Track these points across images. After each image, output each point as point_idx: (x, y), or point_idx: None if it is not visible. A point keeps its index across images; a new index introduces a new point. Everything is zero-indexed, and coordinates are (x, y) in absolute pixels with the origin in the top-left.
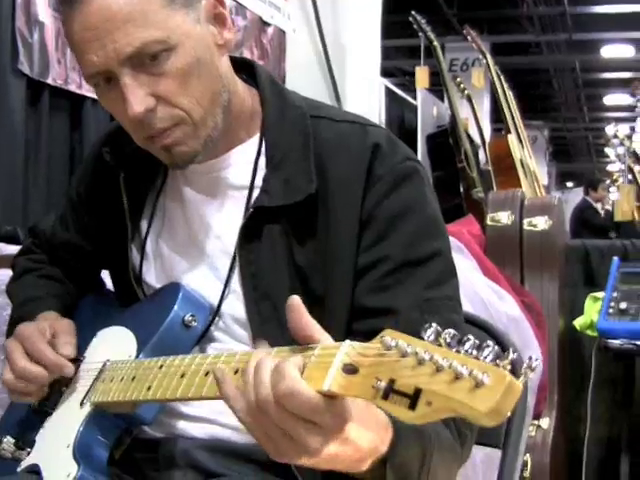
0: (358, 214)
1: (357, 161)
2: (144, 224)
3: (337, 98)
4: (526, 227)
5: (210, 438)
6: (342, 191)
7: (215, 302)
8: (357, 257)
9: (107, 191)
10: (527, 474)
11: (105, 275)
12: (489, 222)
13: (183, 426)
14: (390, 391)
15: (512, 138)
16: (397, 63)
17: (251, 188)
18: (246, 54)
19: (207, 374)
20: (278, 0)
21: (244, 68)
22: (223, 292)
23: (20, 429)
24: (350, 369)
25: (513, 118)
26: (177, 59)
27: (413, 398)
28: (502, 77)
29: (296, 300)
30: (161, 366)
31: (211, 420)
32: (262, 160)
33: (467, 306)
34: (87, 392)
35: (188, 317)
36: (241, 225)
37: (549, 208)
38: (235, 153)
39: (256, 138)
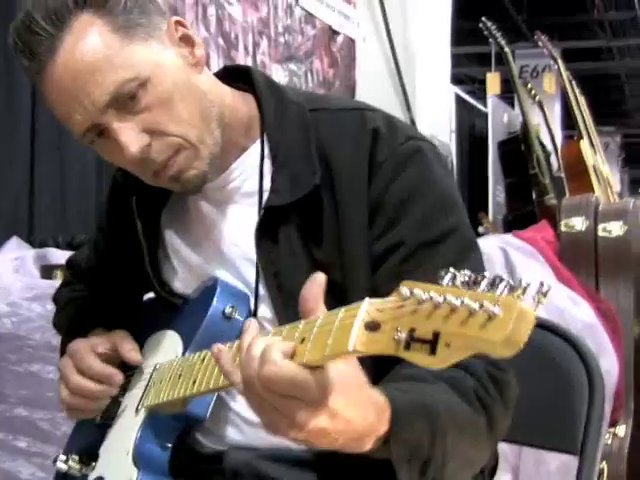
0: (365, 202)
1: (358, 148)
2: (167, 240)
3: (407, 106)
4: (601, 233)
5: (272, 447)
6: (347, 180)
7: None
8: (371, 245)
9: (124, 216)
10: None
11: None
12: (563, 228)
13: (242, 437)
14: (411, 340)
15: (584, 144)
16: (467, 70)
17: (260, 191)
18: (316, 63)
19: None
20: (347, 8)
21: (241, 75)
22: (256, 299)
23: (86, 445)
24: (372, 326)
25: (585, 124)
26: (154, 90)
27: (433, 343)
28: (574, 83)
29: (319, 275)
30: (203, 359)
31: None
32: (267, 162)
33: (542, 312)
34: (141, 398)
35: (228, 309)
36: (255, 228)
37: (624, 213)
38: (241, 161)
39: (259, 142)
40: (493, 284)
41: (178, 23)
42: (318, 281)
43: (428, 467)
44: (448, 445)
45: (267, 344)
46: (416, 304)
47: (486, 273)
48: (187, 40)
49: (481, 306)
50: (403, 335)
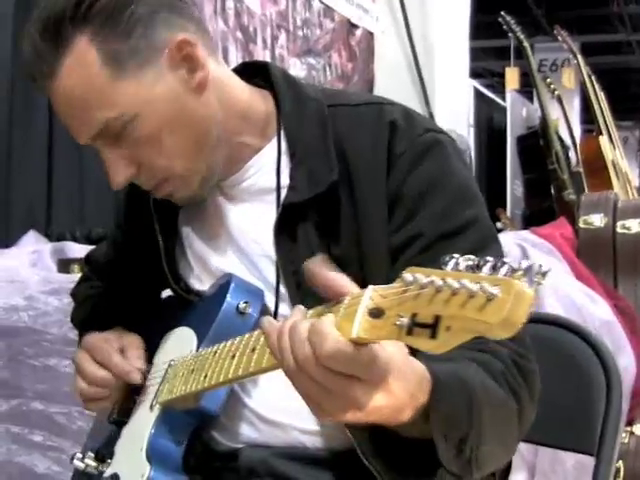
0: (384, 194)
1: (376, 141)
2: (184, 237)
3: (426, 100)
4: (619, 230)
5: (287, 446)
6: (365, 174)
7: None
8: (390, 238)
9: (142, 212)
10: None
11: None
12: (582, 225)
13: (258, 435)
14: (412, 325)
15: (604, 140)
16: (485, 64)
17: (278, 188)
18: (334, 56)
19: (253, 350)
20: (366, 2)
21: (259, 71)
22: (277, 297)
23: (102, 443)
24: (375, 313)
25: (605, 119)
26: (142, 126)
27: (433, 327)
28: (593, 78)
29: (311, 262)
30: (215, 353)
31: (287, 425)
32: (284, 159)
33: (559, 309)
34: (155, 395)
35: (242, 304)
36: (274, 225)
37: None
38: (259, 158)
39: (275, 139)
40: (495, 267)
41: (184, 42)
42: (319, 267)
43: (465, 444)
44: (484, 424)
45: (314, 321)
46: (419, 289)
47: (489, 257)
48: (190, 61)
49: (480, 288)
50: (405, 320)
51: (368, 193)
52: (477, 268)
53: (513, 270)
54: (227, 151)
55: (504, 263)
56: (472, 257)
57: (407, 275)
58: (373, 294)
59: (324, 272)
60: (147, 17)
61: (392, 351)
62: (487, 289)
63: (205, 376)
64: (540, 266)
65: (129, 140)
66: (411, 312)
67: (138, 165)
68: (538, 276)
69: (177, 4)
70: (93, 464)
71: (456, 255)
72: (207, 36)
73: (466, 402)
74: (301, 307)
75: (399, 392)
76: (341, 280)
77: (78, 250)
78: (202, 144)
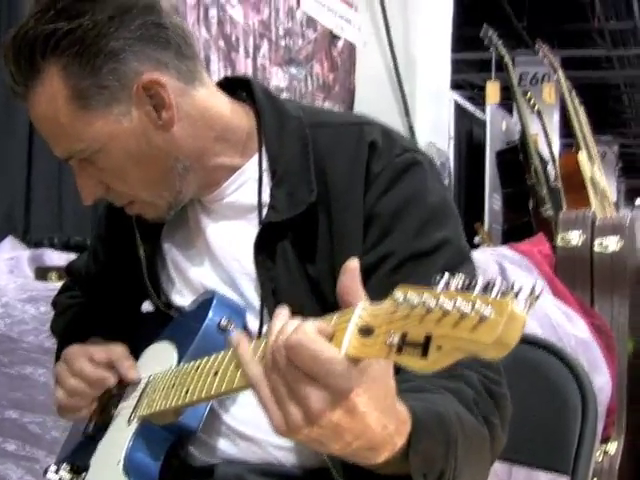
0: (360, 215)
1: (355, 162)
2: (165, 251)
3: (406, 112)
4: (597, 248)
5: (262, 462)
6: (343, 195)
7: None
8: (364, 257)
9: (123, 225)
10: None
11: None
12: (559, 242)
13: (236, 451)
14: (403, 344)
15: (582, 156)
16: (466, 76)
17: (260, 207)
18: (316, 67)
19: (237, 367)
20: (348, 13)
21: (241, 86)
22: (262, 315)
23: (77, 455)
24: (365, 331)
25: (584, 135)
26: (106, 158)
27: (424, 346)
28: (573, 93)
29: (353, 263)
30: (197, 368)
31: (263, 441)
32: (266, 176)
33: (536, 328)
34: (134, 409)
35: (224, 322)
36: (253, 244)
37: (620, 228)
38: (240, 174)
39: (256, 156)
40: (486, 288)
41: (152, 82)
42: (351, 269)
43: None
44: (459, 458)
45: (300, 323)
46: (409, 308)
47: (479, 278)
48: (157, 100)
49: (473, 308)
50: (395, 339)
51: (345, 214)
52: (468, 288)
53: (504, 291)
54: (202, 175)
55: (495, 284)
56: (463, 277)
57: (398, 294)
58: (363, 312)
59: (353, 277)
60: (119, 52)
61: (367, 371)
62: (479, 309)
63: (187, 391)
64: (533, 288)
65: (97, 165)
66: (402, 331)
67: (107, 186)
68: (531, 297)
69: (153, 33)
70: (67, 476)
71: (446, 275)
72: (189, 59)
73: (444, 438)
74: (284, 307)
75: (370, 422)
76: (357, 293)
77: (56, 258)
78: (167, 176)
